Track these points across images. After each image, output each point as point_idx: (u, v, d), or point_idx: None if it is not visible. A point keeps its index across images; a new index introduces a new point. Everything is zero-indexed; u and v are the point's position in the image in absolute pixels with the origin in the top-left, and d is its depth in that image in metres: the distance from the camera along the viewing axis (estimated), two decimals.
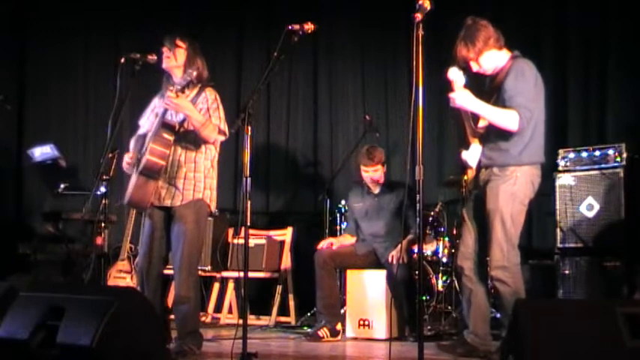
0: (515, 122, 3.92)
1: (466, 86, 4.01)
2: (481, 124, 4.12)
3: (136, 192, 4.05)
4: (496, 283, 4.03)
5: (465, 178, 4.21)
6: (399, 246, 5.21)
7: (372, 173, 5.46)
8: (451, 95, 3.99)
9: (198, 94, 4.13)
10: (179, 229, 4.06)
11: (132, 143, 4.26)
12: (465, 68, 4.06)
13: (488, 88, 4.19)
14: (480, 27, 4.05)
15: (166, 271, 4.28)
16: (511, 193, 4.00)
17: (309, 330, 5.42)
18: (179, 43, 4.14)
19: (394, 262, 5.20)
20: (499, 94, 4.02)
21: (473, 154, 4.12)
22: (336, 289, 5.45)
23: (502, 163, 4.03)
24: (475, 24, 4.05)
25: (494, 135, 4.04)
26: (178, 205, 4.08)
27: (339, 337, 5.29)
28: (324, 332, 5.22)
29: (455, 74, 3.98)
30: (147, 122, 4.29)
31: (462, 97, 3.97)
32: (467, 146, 4.15)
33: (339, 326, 5.31)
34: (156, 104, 4.30)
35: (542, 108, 4.08)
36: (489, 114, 3.99)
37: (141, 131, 4.29)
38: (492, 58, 4.08)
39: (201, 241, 4.20)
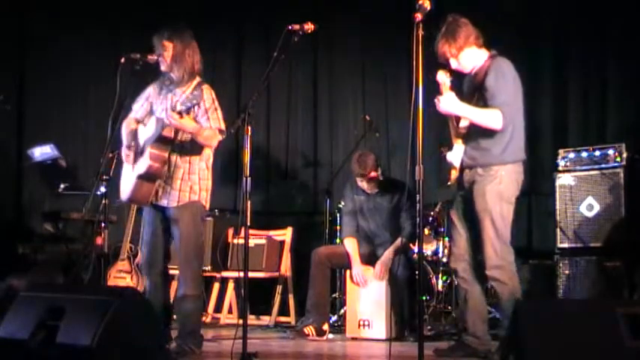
0: (500, 121, 3.97)
1: (451, 88, 4.04)
2: (462, 124, 4.17)
3: (136, 193, 4.07)
4: (493, 283, 4.06)
5: (449, 180, 4.24)
6: (380, 265, 5.26)
7: (368, 181, 5.44)
8: (437, 99, 4.01)
9: (195, 90, 4.10)
10: (177, 232, 4.07)
11: (123, 129, 4.20)
12: (450, 71, 4.09)
13: (467, 87, 4.25)
14: (461, 24, 4.11)
15: (170, 271, 4.29)
16: (498, 192, 4.03)
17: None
18: (166, 44, 4.10)
19: (380, 279, 5.23)
20: (480, 93, 4.08)
21: (456, 155, 4.17)
22: (327, 289, 5.47)
23: (485, 162, 4.07)
24: (456, 21, 4.11)
25: (475, 135, 4.09)
26: (174, 205, 4.08)
27: (325, 337, 5.30)
28: (309, 330, 5.24)
29: (442, 77, 4.02)
30: (140, 109, 4.27)
31: (447, 102, 4.01)
32: (451, 147, 4.20)
33: (325, 326, 5.33)
34: (150, 93, 4.27)
35: (521, 106, 4.15)
36: (474, 115, 4.04)
37: (132, 115, 4.26)
38: (472, 56, 4.15)
39: (199, 242, 4.19)
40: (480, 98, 4.07)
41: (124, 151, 4.20)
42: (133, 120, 4.24)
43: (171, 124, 3.94)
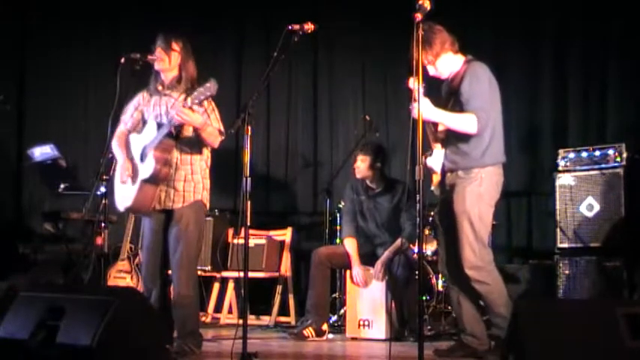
0: (474, 125, 4.00)
1: (425, 94, 4.04)
2: (441, 128, 4.20)
3: (139, 199, 4.04)
4: (474, 284, 4.07)
5: (432, 185, 4.26)
6: (379, 265, 5.25)
7: (358, 162, 5.48)
8: (411, 106, 4.00)
9: (207, 83, 4.08)
10: (179, 230, 4.06)
11: (115, 145, 4.17)
12: (424, 77, 4.09)
13: (444, 93, 4.27)
14: (436, 31, 4.14)
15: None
16: (477, 194, 4.05)
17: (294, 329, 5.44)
18: (174, 46, 4.12)
19: (379, 280, 5.23)
20: (455, 98, 4.11)
21: (436, 159, 4.20)
22: (327, 290, 5.46)
23: (465, 166, 4.10)
24: (431, 28, 4.11)
25: (454, 139, 4.12)
26: (180, 206, 4.09)
27: (325, 337, 5.30)
28: (309, 332, 5.23)
29: (415, 83, 4.01)
30: (130, 119, 4.25)
31: (421, 108, 4.00)
32: (430, 152, 4.23)
33: (324, 326, 5.33)
34: (139, 102, 4.25)
35: (499, 109, 4.17)
36: (448, 120, 4.07)
37: (122, 127, 4.23)
38: (448, 62, 4.18)
39: (200, 242, 4.21)
40: (455, 103, 4.10)
41: (123, 166, 4.14)
42: (124, 133, 4.23)
43: (183, 119, 3.92)
